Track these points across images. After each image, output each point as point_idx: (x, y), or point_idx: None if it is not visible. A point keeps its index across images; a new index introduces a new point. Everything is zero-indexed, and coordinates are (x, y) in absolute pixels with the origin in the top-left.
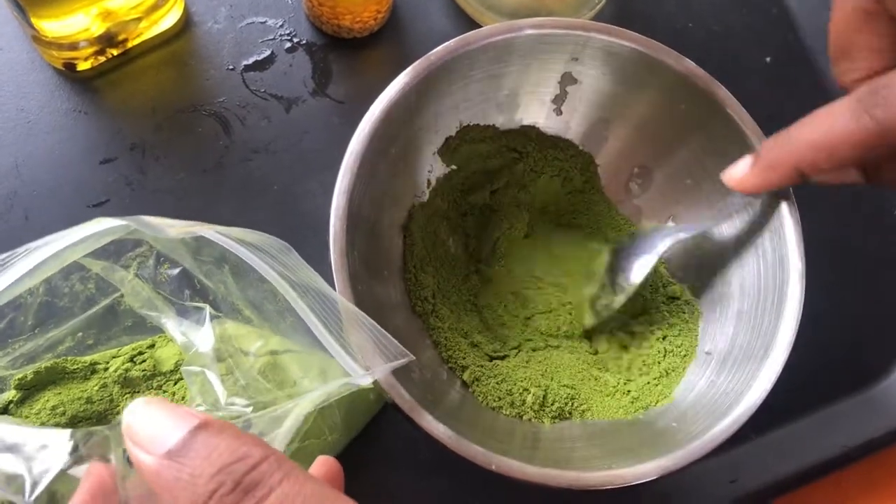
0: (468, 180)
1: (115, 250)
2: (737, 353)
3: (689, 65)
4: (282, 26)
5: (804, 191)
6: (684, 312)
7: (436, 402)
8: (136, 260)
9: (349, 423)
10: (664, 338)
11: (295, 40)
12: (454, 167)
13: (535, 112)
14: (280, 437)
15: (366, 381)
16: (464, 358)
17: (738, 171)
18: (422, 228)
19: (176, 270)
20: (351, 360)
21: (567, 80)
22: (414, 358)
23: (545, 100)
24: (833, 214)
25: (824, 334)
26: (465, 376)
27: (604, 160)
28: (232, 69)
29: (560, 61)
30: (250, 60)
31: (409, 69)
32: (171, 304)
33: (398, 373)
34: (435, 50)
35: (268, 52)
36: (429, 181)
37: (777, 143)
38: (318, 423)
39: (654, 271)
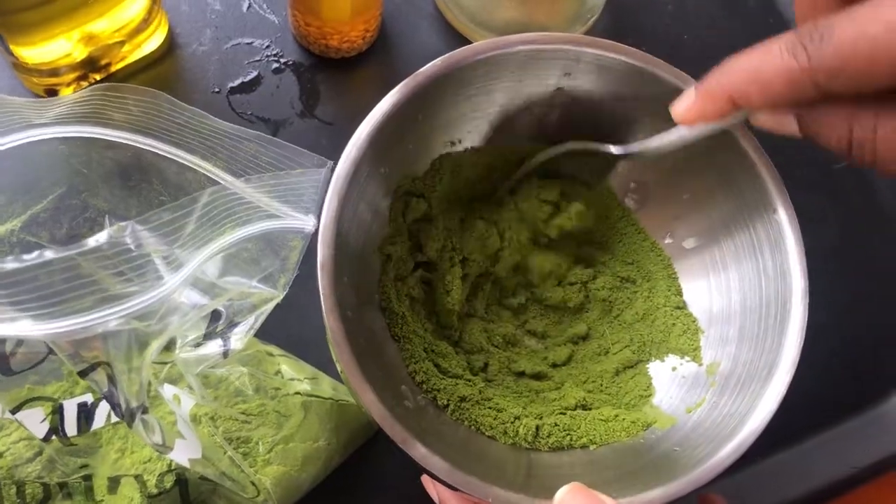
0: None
1: None
2: (740, 373)
3: (684, 77)
4: (268, 47)
5: (805, 201)
6: (686, 325)
7: (428, 429)
8: None
9: (340, 437)
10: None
11: (282, 61)
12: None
13: (528, 128)
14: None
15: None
16: (443, 385)
17: (681, 103)
18: (396, 249)
19: None
20: (284, 207)
21: (560, 95)
22: (331, 163)
23: (538, 115)
24: (837, 226)
25: (829, 351)
26: (444, 401)
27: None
28: (217, 92)
29: (552, 76)
30: (236, 83)
31: (396, 89)
32: None
33: (388, 402)
34: (423, 68)
35: (254, 74)
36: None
37: (715, 72)
38: (310, 424)
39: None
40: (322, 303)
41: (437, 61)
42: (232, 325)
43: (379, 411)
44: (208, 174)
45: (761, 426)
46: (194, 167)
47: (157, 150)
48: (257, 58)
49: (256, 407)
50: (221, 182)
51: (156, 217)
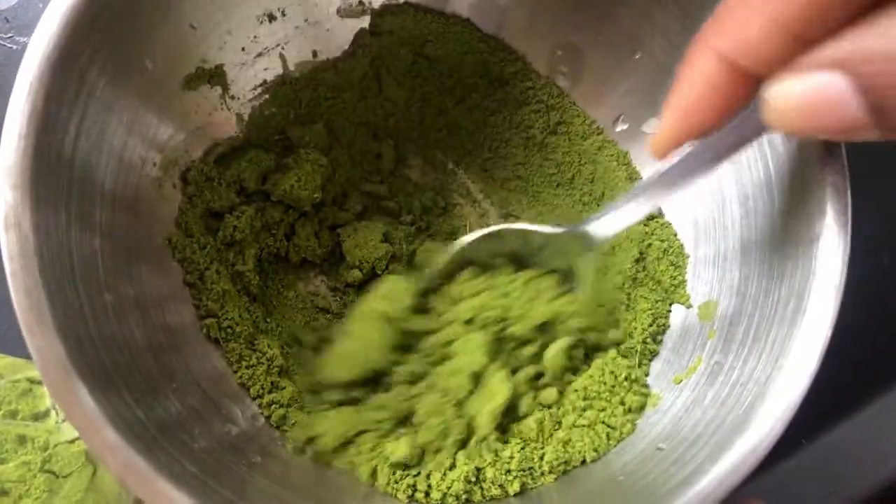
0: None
1: None
2: (751, 315)
3: None
4: None
5: None
6: (665, 242)
7: (266, 467)
8: None
9: None
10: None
11: None
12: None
13: None
14: None
15: None
16: (294, 396)
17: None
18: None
19: None
20: None
21: None
22: None
23: None
24: None
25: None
26: (296, 435)
27: (510, 42)
28: None
29: None
30: None
31: None
32: None
33: (171, 443)
34: None
35: None
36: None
37: (706, 28)
38: (102, 484)
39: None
40: (13, 297)
41: None
42: None
43: (121, 464)
44: None
45: (796, 398)
46: None
47: None
48: None
49: (15, 469)
50: None
51: None
